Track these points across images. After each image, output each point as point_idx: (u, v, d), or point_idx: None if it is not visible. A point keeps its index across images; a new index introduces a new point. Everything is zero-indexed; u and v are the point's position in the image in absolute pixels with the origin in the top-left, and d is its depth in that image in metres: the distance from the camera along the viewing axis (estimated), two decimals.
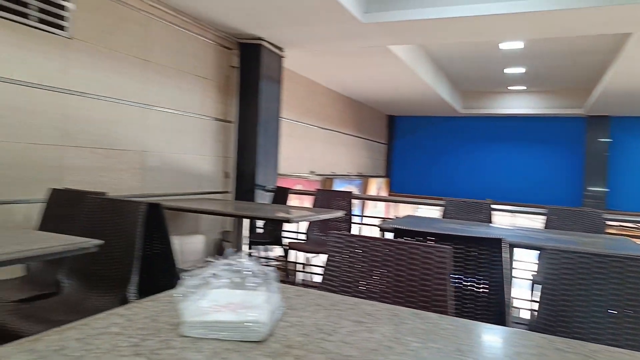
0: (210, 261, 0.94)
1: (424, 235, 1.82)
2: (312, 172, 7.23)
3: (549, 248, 1.57)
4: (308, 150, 7.39)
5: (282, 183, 5.05)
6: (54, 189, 2.61)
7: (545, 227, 3.76)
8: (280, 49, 4.92)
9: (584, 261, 1.53)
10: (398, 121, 11.67)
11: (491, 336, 1.00)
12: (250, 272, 0.92)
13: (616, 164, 9.67)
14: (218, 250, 4.62)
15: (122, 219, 2.09)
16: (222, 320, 0.85)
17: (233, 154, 4.75)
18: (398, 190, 11.37)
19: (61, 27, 2.95)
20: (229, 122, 4.71)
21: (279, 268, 4.61)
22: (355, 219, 4.59)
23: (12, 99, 2.72)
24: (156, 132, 3.81)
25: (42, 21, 2.83)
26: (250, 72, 4.68)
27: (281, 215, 3.06)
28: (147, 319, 0.92)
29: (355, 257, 1.57)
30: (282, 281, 4.21)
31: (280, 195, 4.39)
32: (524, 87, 9.13)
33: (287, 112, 6.44)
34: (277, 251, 4.54)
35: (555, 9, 3.43)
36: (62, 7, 2.95)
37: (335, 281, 1.58)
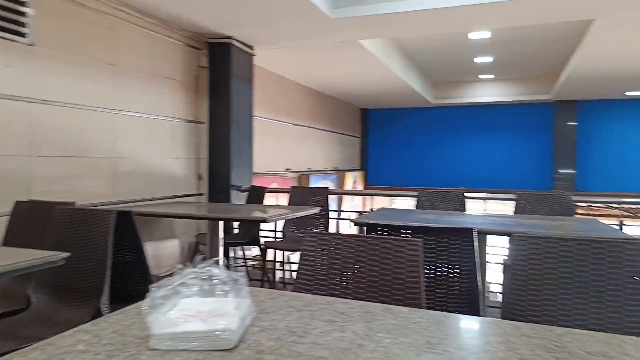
0: (179, 270, 0.93)
1: (395, 228, 1.84)
2: (287, 170, 7.22)
3: (516, 234, 1.61)
4: (282, 147, 7.37)
5: (257, 182, 5.03)
6: (18, 202, 2.54)
7: (515, 212, 3.85)
8: (250, 47, 4.88)
9: (550, 245, 1.58)
10: (372, 114, 11.74)
11: (461, 327, 1.02)
12: (219, 279, 0.92)
13: (584, 147, 9.96)
14: (194, 253, 4.57)
15: (92, 229, 2.04)
16: (191, 331, 0.84)
17: (206, 155, 4.70)
18: (374, 182, 11.46)
19: (21, 34, 2.86)
20: (201, 123, 4.65)
21: (257, 268, 4.59)
22: (333, 214, 4.62)
23: None
24: (126, 136, 3.74)
25: None
26: (220, 71, 4.62)
27: (257, 215, 3.05)
28: (115, 334, 0.91)
29: (328, 255, 1.58)
30: (260, 280, 4.16)
31: (256, 194, 4.37)
32: (492, 76, 9.29)
33: (258, 110, 6.41)
34: (255, 251, 4.53)
35: None
36: (21, 13, 2.86)
37: (310, 280, 1.58)
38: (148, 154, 3.99)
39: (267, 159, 6.70)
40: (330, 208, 4.33)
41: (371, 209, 4.58)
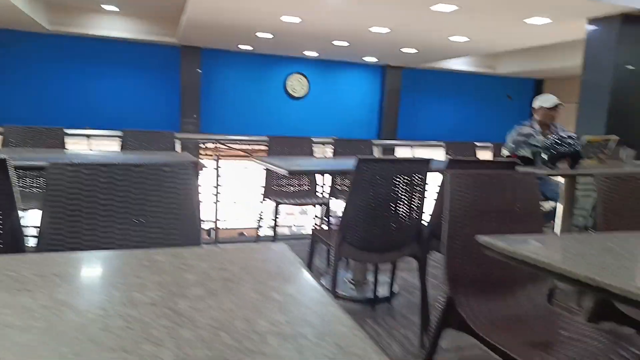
0: None
1: None
2: None
3: (54, 164, 1.48)
4: None
5: None
6: None
7: (122, 149, 3.81)
8: None
9: (89, 172, 1.53)
10: None
11: None
12: None
13: (207, 93, 10.90)
14: None
15: None
16: None
17: None
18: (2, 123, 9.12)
19: None
20: None
21: None
22: None
23: None
24: None
25: None
26: None
27: None
28: None
29: None
30: None
31: None
32: (117, 9, 8.74)
33: None
34: None
35: None
36: None
37: None
38: None
39: None
40: None
41: None
